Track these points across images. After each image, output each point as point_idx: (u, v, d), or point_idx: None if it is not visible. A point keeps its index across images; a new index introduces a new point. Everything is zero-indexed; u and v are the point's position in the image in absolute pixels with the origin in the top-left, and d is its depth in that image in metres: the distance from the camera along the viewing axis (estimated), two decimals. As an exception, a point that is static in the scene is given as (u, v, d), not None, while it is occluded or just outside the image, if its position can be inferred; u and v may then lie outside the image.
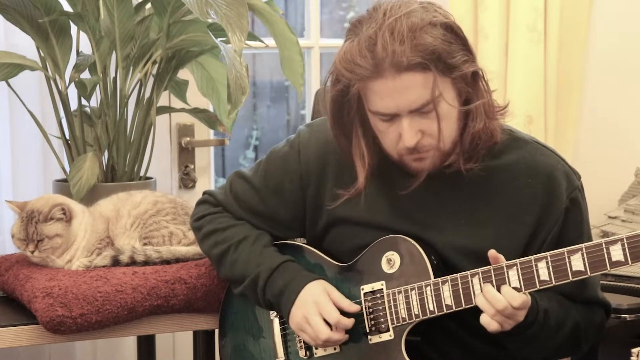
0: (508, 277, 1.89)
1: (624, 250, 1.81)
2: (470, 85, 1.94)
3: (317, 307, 2.03)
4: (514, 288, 1.89)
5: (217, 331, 2.34)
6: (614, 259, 1.82)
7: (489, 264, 1.92)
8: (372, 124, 1.98)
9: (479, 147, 1.98)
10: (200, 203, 2.29)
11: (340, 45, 1.95)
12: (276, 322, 2.15)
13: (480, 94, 1.96)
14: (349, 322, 2.03)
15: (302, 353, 2.11)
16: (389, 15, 1.88)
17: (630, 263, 1.82)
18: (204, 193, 2.30)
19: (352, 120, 2.00)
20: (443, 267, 1.99)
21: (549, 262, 1.86)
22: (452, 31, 1.90)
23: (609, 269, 1.84)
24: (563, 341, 2.01)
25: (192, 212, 2.30)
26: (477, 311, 1.96)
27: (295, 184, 2.15)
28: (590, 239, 2.04)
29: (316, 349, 2.10)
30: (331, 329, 2.03)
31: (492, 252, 1.89)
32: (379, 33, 1.86)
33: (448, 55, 1.88)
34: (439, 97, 1.89)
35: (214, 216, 2.23)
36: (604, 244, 1.83)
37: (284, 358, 2.14)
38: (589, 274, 1.84)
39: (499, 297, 1.87)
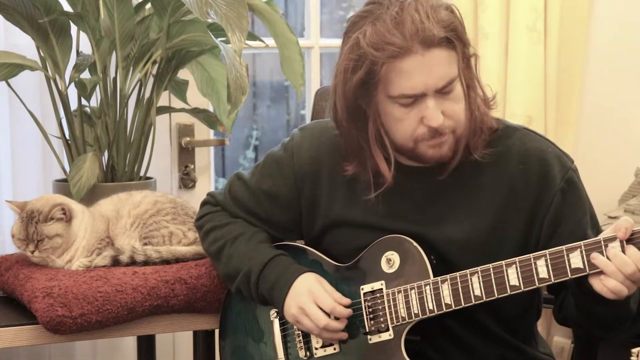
0: (507, 275, 1.89)
1: (622, 247, 1.82)
2: (470, 69, 1.97)
3: (312, 296, 2.04)
4: (512, 286, 1.89)
5: (217, 331, 2.34)
6: None
7: (488, 257, 1.93)
8: (385, 114, 1.96)
9: (483, 135, 1.99)
10: (202, 204, 2.33)
11: (348, 41, 1.93)
12: (276, 323, 2.16)
13: (476, 80, 1.99)
14: (345, 310, 2.03)
15: (302, 354, 2.12)
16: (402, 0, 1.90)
17: None
18: (207, 195, 2.33)
19: (372, 108, 1.96)
20: (442, 266, 1.99)
21: (548, 260, 1.87)
22: (454, 13, 1.94)
23: None
24: (636, 299, 1.96)
25: (196, 213, 2.33)
26: (476, 310, 1.97)
27: (290, 187, 2.16)
28: (594, 219, 2.04)
29: (316, 349, 2.10)
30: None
31: (621, 221, 1.83)
32: (403, 11, 1.88)
33: (462, 34, 1.93)
34: (459, 76, 1.92)
35: (213, 215, 2.27)
36: (602, 241, 1.83)
37: (284, 359, 2.14)
38: (587, 271, 1.84)
39: (628, 261, 1.81)
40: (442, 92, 1.91)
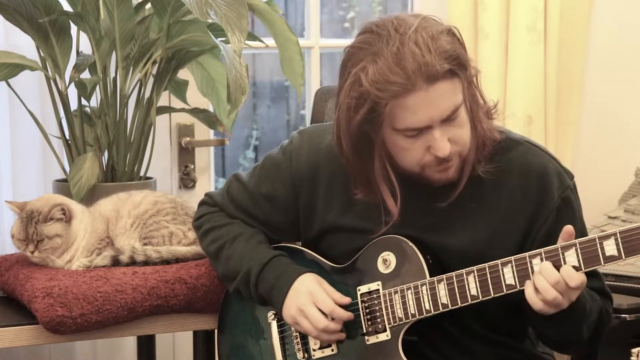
0: (503, 274, 1.90)
1: (617, 245, 1.81)
2: (472, 87, 1.95)
3: (311, 297, 2.04)
4: (508, 285, 1.90)
5: (217, 331, 2.35)
6: (607, 254, 1.82)
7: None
8: (391, 144, 1.94)
9: (487, 148, 1.99)
10: (200, 204, 2.33)
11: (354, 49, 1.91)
12: (274, 325, 2.16)
13: (478, 95, 1.98)
14: (345, 313, 2.03)
15: (300, 355, 2.12)
16: (402, 31, 1.86)
17: (624, 257, 1.82)
18: (205, 195, 2.33)
19: (377, 143, 1.94)
20: (439, 267, 1.99)
21: (544, 259, 1.87)
22: (455, 36, 1.91)
23: (602, 264, 1.83)
24: (590, 327, 1.98)
25: (194, 213, 2.33)
26: (473, 310, 1.97)
27: (288, 191, 2.16)
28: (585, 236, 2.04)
29: (314, 350, 2.10)
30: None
31: (567, 228, 1.86)
32: (404, 47, 1.84)
33: (464, 59, 1.89)
34: (464, 101, 1.91)
35: (211, 215, 2.26)
36: (597, 239, 1.83)
37: (281, 360, 2.15)
38: (583, 269, 1.84)
39: (555, 274, 1.84)
40: (448, 119, 1.90)
